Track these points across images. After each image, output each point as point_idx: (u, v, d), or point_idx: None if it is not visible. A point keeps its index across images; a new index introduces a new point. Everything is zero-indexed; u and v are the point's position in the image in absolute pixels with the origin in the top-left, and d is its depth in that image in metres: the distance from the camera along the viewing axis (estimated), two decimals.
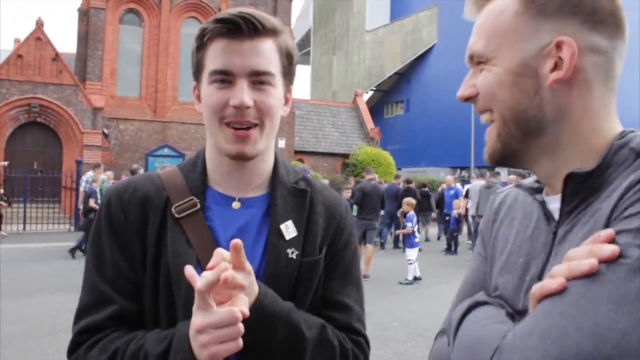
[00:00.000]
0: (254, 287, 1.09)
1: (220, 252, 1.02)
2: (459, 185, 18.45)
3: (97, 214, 1.29)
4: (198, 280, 0.96)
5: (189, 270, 1.00)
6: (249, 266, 1.05)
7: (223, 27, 1.18)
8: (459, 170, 33.89)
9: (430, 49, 40.22)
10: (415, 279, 10.78)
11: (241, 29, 1.18)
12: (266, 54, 1.21)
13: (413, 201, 11.94)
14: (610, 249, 0.69)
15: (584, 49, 0.87)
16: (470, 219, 15.72)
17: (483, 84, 0.94)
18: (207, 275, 0.95)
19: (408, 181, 16.73)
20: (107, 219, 1.25)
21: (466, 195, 16.62)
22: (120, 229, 1.24)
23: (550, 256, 0.90)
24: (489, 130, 0.97)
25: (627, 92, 23.95)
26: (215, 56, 1.20)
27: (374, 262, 11.85)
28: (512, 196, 1.09)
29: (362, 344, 1.31)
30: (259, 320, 1.09)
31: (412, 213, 11.31)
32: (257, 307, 1.08)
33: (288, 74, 1.29)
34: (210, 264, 1.00)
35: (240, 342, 0.99)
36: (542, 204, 0.96)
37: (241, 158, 1.24)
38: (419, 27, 40.69)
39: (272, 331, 1.13)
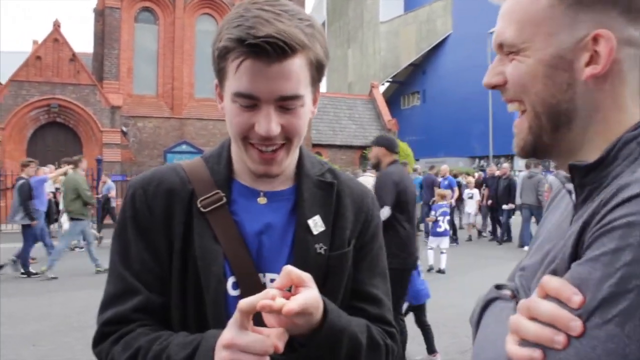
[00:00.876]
0: (319, 304, 1.07)
1: (288, 272, 1.02)
2: (474, 174, 18.35)
3: (122, 207, 1.28)
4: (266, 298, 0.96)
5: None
6: (308, 281, 1.05)
7: (249, 51, 1.08)
8: (477, 160, 33.66)
9: (445, 40, 39.93)
10: (439, 271, 10.88)
11: (268, 53, 1.07)
12: (295, 75, 1.12)
13: (443, 192, 11.99)
14: (577, 329, 0.68)
15: (620, 41, 0.84)
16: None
17: (514, 75, 0.91)
18: (251, 299, 0.96)
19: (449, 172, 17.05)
20: (132, 212, 1.24)
21: (483, 185, 16.66)
22: (145, 222, 1.23)
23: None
24: (518, 123, 0.95)
25: None
26: (240, 77, 1.11)
27: None
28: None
29: (394, 335, 1.32)
30: (327, 338, 1.09)
31: (440, 203, 11.27)
32: (326, 326, 1.08)
33: (317, 82, 1.23)
34: (278, 284, 1.02)
35: None
36: (570, 193, 0.95)
37: (267, 177, 1.23)
38: (434, 18, 40.41)
39: (339, 346, 1.13)
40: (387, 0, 43.20)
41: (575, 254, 0.78)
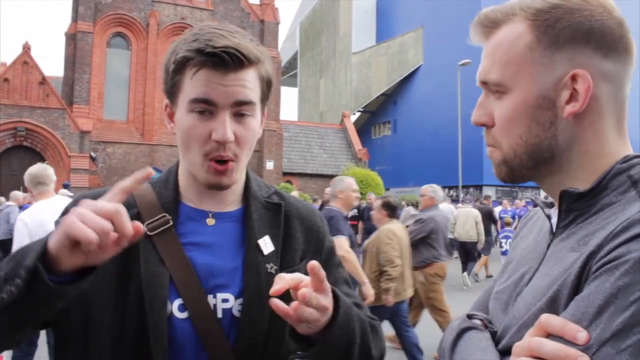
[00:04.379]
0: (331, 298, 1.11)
1: (282, 277, 1.05)
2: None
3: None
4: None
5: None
6: (327, 285, 1.07)
7: (208, 60, 1.15)
8: (447, 190, 34.03)
9: (416, 70, 40.56)
10: None
11: (225, 62, 1.15)
12: (249, 84, 1.19)
13: (508, 219, 13.65)
14: None
15: (597, 77, 0.88)
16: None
17: (502, 116, 0.95)
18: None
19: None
20: None
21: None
22: None
23: (540, 265, 0.94)
24: (492, 153, 0.99)
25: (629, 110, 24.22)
26: (197, 85, 1.16)
27: None
28: (540, 212, 1.12)
29: (380, 327, 1.36)
30: (344, 323, 1.13)
31: (504, 228, 13.16)
32: (340, 313, 1.11)
33: (266, 99, 1.29)
34: (275, 289, 1.03)
35: (91, 235, 0.90)
36: (549, 218, 0.99)
37: (218, 189, 1.25)
38: (405, 49, 41.09)
39: (353, 328, 1.17)
40: (360, 32, 43.84)
41: (579, 281, 0.80)
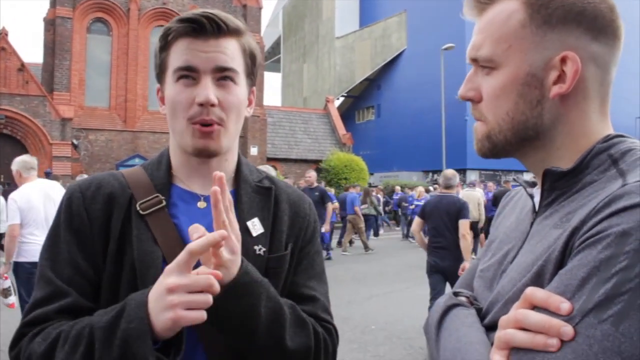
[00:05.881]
0: (239, 258, 1.10)
1: (199, 228, 1.04)
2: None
3: (57, 211, 1.26)
4: (197, 240, 0.99)
5: (197, 229, 1.03)
6: (238, 232, 1.09)
7: (188, 26, 1.20)
8: (430, 174, 34.18)
9: (399, 55, 40.57)
10: None
11: (205, 28, 1.20)
12: (229, 51, 1.23)
13: None
14: (569, 333, 0.73)
15: (585, 59, 0.90)
16: None
17: (489, 92, 0.97)
18: (208, 236, 0.99)
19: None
20: (67, 216, 1.23)
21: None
22: (81, 226, 1.22)
23: (524, 243, 0.96)
24: (477, 127, 1.01)
25: (627, 100, 24.40)
26: (180, 54, 1.21)
27: (350, 267, 11.91)
28: (521, 192, 1.15)
29: (331, 331, 1.32)
30: (245, 285, 1.09)
31: None
32: (242, 272, 1.09)
33: (251, 74, 1.32)
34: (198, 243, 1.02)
35: (205, 314, 1.00)
36: (532, 197, 1.02)
37: (205, 154, 1.26)
38: (388, 33, 41.03)
39: (257, 298, 1.12)
40: (343, 16, 43.67)
41: (562, 257, 0.83)
